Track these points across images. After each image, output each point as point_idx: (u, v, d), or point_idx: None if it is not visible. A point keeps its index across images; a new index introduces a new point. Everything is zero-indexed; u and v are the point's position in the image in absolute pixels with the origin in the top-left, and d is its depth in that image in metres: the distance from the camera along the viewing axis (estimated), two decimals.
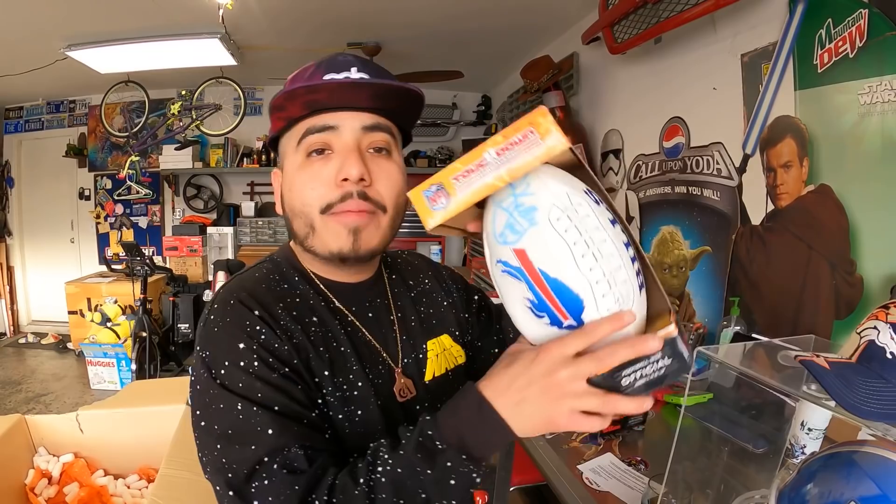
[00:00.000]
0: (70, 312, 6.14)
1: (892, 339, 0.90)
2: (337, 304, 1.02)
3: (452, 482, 0.76)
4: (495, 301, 1.07)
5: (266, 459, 0.79)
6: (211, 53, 4.88)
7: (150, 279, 5.51)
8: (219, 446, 0.83)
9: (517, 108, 5.64)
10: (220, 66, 5.20)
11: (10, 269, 7.47)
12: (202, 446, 0.87)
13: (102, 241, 7.38)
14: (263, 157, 6.80)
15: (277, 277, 1.01)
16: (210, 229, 6.65)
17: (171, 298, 5.99)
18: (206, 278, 6.32)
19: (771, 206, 2.40)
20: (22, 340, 7.00)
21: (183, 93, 6.14)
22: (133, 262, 5.32)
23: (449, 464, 0.75)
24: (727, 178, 2.67)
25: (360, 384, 0.96)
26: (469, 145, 6.67)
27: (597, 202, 0.71)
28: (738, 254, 2.60)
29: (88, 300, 5.99)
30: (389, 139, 0.98)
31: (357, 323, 1.02)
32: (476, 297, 1.27)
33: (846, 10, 1.99)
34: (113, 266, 5.99)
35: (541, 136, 0.68)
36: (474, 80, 6.21)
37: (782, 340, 1.26)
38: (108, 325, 5.42)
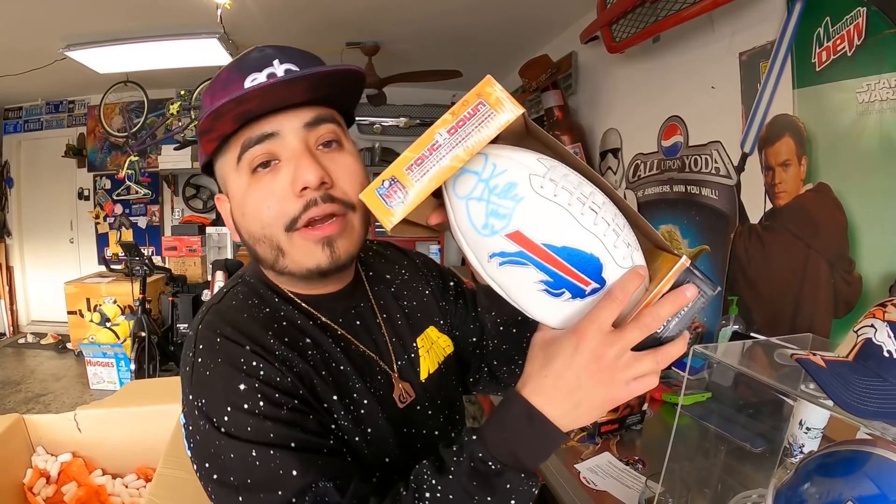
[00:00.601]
0: (69, 312, 6.14)
1: (890, 337, 0.90)
2: (323, 319, 0.95)
3: (513, 502, 0.70)
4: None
5: (295, 501, 0.72)
6: (209, 53, 4.87)
7: (149, 279, 5.50)
8: (240, 499, 0.75)
9: None
10: (218, 65, 5.16)
11: (9, 270, 7.47)
12: (220, 500, 0.78)
13: (102, 241, 7.38)
14: None
15: (256, 301, 0.92)
16: (209, 229, 6.63)
17: (170, 298, 5.98)
18: (206, 278, 6.31)
19: (769, 205, 2.40)
20: (21, 340, 7.01)
21: (182, 93, 6.13)
22: (132, 262, 5.32)
23: (508, 486, 0.69)
24: (725, 177, 2.67)
25: (365, 401, 0.91)
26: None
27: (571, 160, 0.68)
28: (736, 253, 2.60)
29: (88, 300, 5.99)
30: (337, 129, 0.88)
31: (348, 336, 0.96)
32: (452, 283, 1.21)
33: (844, 8, 1.99)
34: (112, 266, 5.99)
35: (492, 106, 0.64)
36: (473, 80, 5.99)
37: (780, 339, 1.26)
38: (108, 325, 5.42)
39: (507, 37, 4.78)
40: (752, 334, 2.30)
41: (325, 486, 0.74)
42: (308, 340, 0.90)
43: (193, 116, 5.60)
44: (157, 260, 6.56)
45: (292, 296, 0.94)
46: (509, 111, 0.63)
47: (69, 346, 6.43)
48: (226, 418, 0.76)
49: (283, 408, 0.78)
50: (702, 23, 2.74)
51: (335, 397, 0.87)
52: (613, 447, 1.83)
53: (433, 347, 1.07)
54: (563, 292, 0.66)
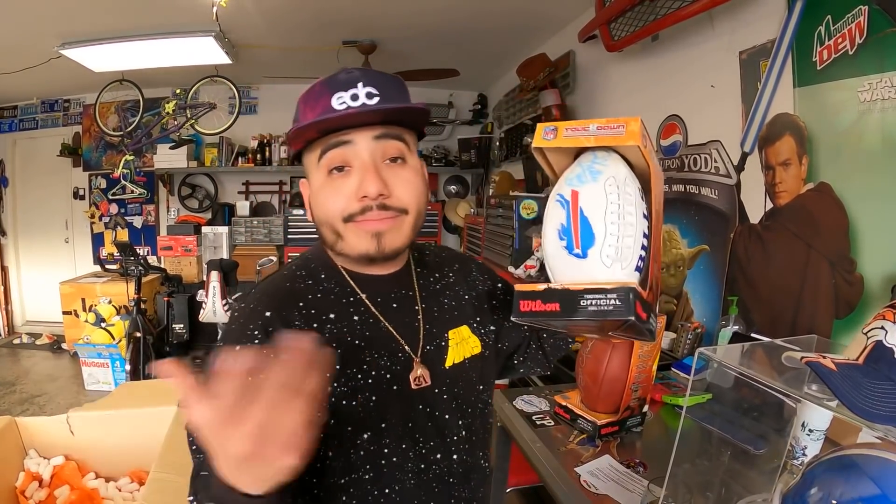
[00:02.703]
0: (64, 313, 6.11)
1: None
2: (361, 296, 1.10)
3: None
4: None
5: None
6: (205, 52, 4.86)
7: (144, 279, 5.47)
8: (193, 442, 0.91)
9: (513, 107, 5.63)
10: (214, 64, 5.18)
11: (4, 269, 7.45)
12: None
13: (97, 240, 7.36)
14: (258, 156, 6.78)
15: (303, 274, 1.11)
16: (205, 229, 6.61)
17: (165, 298, 5.96)
18: (201, 278, 6.28)
19: (770, 205, 2.39)
20: (16, 341, 6.98)
21: (177, 91, 6.10)
22: (127, 262, 5.29)
23: None
24: (725, 177, 2.66)
25: (373, 373, 1.04)
26: (465, 144, 6.66)
27: (642, 197, 0.92)
28: (736, 253, 2.58)
29: (83, 300, 5.97)
30: (402, 146, 1.05)
31: (378, 314, 1.10)
32: (500, 285, 1.37)
33: (846, 6, 1.98)
34: (107, 266, 5.96)
35: (627, 131, 0.88)
36: (470, 79, 6.20)
37: (784, 341, 1.24)
38: (103, 325, 5.38)
39: (504, 35, 4.77)
40: (752, 335, 2.29)
41: None
42: (332, 315, 1.06)
43: (189, 115, 5.57)
44: (152, 260, 6.54)
45: (344, 271, 1.12)
46: (630, 138, 0.87)
47: (64, 346, 6.40)
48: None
49: None
50: (701, 21, 2.73)
51: (337, 367, 1.00)
52: (614, 450, 1.81)
53: (462, 343, 1.20)
54: (564, 240, 0.90)
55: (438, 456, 1.10)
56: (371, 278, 1.12)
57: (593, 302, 0.86)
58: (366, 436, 1.02)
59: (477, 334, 1.24)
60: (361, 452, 1.01)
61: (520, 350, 1.41)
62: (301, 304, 1.05)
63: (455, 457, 1.12)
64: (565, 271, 0.92)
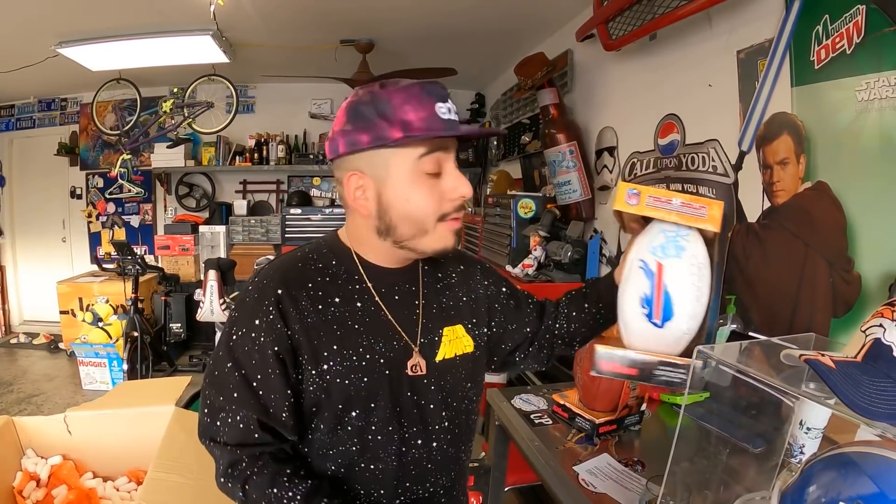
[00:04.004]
0: (62, 312, 6.10)
1: None
2: (368, 284, 1.19)
3: None
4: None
5: (232, 407, 1.09)
6: (203, 51, 4.86)
7: (141, 278, 5.47)
8: (206, 390, 1.13)
9: (511, 106, 5.63)
10: (212, 63, 5.18)
11: (1, 269, 7.43)
12: (205, 376, 1.15)
13: (94, 240, 7.35)
14: (256, 155, 6.78)
15: (315, 258, 1.19)
16: (202, 228, 6.62)
17: (162, 298, 5.97)
18: (199, 277, 6.28)
19: (767, 204, 2.39)
20: (13, 340, 6.96)
21: (175, 90, 6.09)
22: (124, 262, 5.29)
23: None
24: (723, 176, 2.66)
25: (367, 356, 1.14)
26: (463, 143, 6.63)
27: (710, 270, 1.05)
28: (734, 252, 2.58)
29: (80, 300, 5.96)
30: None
31: (381, 304, 1.19)
32: (504, 288, 1.44)
33: (843, 5, 1.98)
34: (104, 265, 5.95)
35: (708, 214, 1.03)
36: (468, 78, 6.21)
37: (782, 339, 1.24)
38: (100, 324, 5.37)
39: (502, 34, 4.78)
40: (750, 334, 2.29)
41: (251, 416, 1.09)
42: (337, 299, 1.15)
43: (186, 114, 5.56)
44: (149, 259, 6.52)
45: (357, 260, 1.21)
46: (711, 224, 1.03)
47: (61, 346, 6.39)
48: (240, 333, 1.10)
49: (270, 348, 1.08)
50: (699, 20, 2.73)
51: (335, 347, 1.12)
52: (612, 448, 1.81)
53: (456, 340, 1.28)
54: (646, 308, 1.04)
55: (419, 442, 1.20)
56: (382, 270, 1.21)
57: (666, 373, 1.06)
58: (354, 413, 1.13)
59: (471, 335, 1.32)
60: (349, 428, 1.13)
61: (521, 348, 1.44)
62: (310, 285, 1.14)
63: (435, 444, 1.21)
64: (642, 336, 1.07)
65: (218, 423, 1.10)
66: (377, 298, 1.19)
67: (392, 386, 1.17)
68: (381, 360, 1.15)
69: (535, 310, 1.45)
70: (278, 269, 1.16)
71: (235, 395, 1.09)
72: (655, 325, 1.04)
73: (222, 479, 1.11)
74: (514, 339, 1.42)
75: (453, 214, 1.15)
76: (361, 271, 1.20)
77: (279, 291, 1.11)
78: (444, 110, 1.08)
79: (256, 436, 1.09)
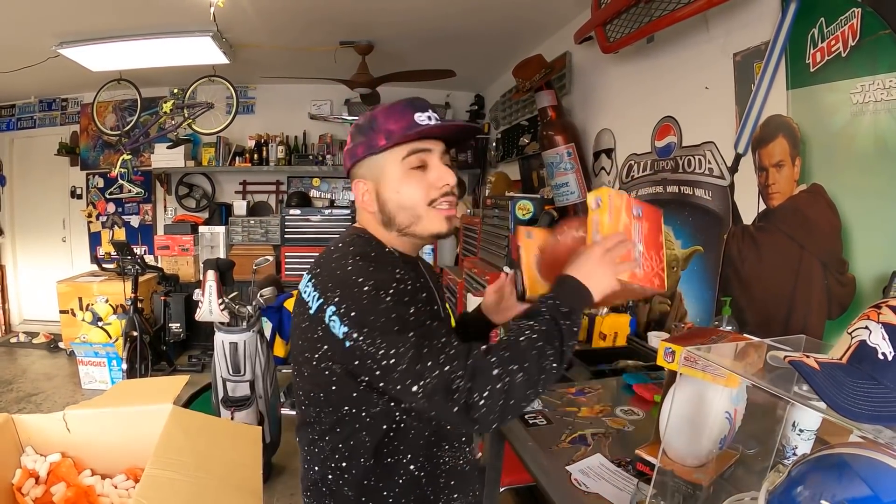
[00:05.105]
0: (61, 311, 6.10)
1: (884, 339, 0.89)
2: (420, 268, 1.45)
3: (575, 329, 1.22)
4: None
5: (444, 338, 1.15)
6: (203, 52, 4.87)
7: (141, 278, 5.48)
8: (410, 334, 1.13)
9: (510, 108, 5.63)
10: (212, 64, 5.19)
11: (1, 268, 7.44)
12: (391, 344, 1.12)
13: (94, 239, 7.35)
14: (255, 156, 6.78)
15: (370, 249, 1.32)
16: (202, 228, 6.62)
17: (162, 298, 5.98)
18: (198, 277, 6.29)
19: (763, 206, 2.40)
20: (13, 340, 6.97)
21: (175, 91, 6.11)
22: (124, 261, 5.29)
23: (574, 318, 1.22)
24: (719, 178, 2.67)
25: (446, 321, 1.39)
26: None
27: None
28: (729, 253, 2.59)
29: (80, 299, 5.96)
30: (448, 157, 1.40)
31: (431, 285, 1.45)
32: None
33: (839, 8, 1.99)
34: (104, 265, 5.95)
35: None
36: (467, 80, 6.22)
37: (773, 340, 1.25)
38: (99, 324, 5.38)
39: (501, 36, 4.78)
40: (745, 335, 2.29)
41: (452, 331, 1.20)
42: (413, 273, 1.36)
43: (186, 115, 5.57)
44: (149, 259, 6.52)
45: (392, 250, 1.37)
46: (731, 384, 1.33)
47: (61, 345, 6.39)
48: (391, 291, 1.16)
49: (420, 293, 1.25)
50: (696, 23, 2.74)
51: (435, 307, 1.38)
52: (605, 448, 1.82)
53: (449, 317, 1.52)
54: (721, 445, 1.40)
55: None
56: (410, 258, 1.42)
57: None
58: None
59: (452, 313, 1.49)
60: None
61: None
62: (396, 266, 1.28)
63: None
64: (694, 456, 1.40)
65: (442, 358, 1.11)
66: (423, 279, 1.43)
67: None
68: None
69: None
70: (368, 252, 1.29)
71: (437, 327, 1.17)
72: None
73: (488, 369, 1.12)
74: None
75: (441, 200, 1.33)
76: (401, 262, 1.35)
77: (389, 268, 1.24)
78: (423, 118, 1.30)
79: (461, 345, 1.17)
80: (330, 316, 1.18)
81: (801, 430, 1.36)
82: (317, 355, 1.23)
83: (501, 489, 2.36)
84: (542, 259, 1.49)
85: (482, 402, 1.07)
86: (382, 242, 1.38)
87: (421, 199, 1.32)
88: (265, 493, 1.90)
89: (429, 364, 1.10)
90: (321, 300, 1.21)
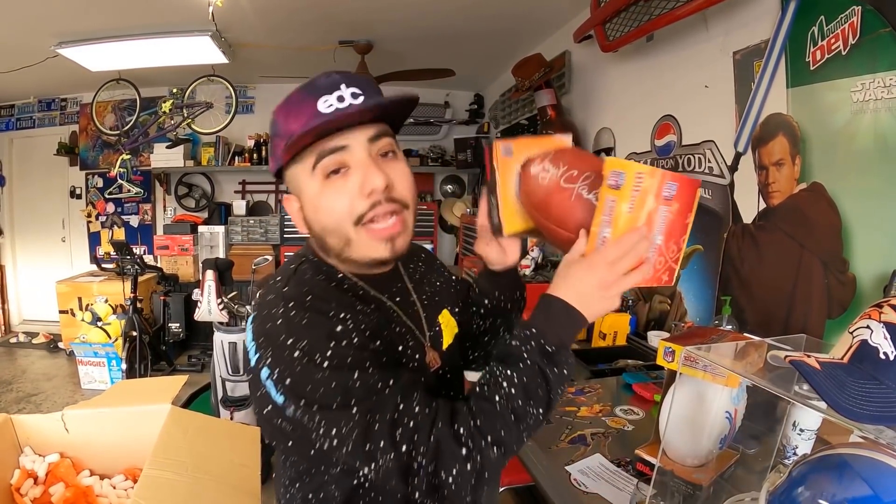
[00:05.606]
0: (61, 312, 6.09)
1: (886, 338, 0.88)
2: (375, 293, 1.12)
3: (565, 371, 0.97)
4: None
5: (400, 397, 0.92)
6: (202, 51, 4.86)
7: (140, 278, 5.47)
8: (354, 411, 0.91)
9: (509, 107, 5.63)
10: (211, 63, 5.18)
11: (1, 268, 7.43)
12: (331, 421, 0.92)
13: (94, 239, 7.35)
14: (255, 155, 6.77)
15: (323, 277, 1.08)
16: (201, 228, 6.62)
17: (161, 298, 5.97)
18: (198, 277, 6.28)
19: (763, 205, 2.39)
20: (13, 340, 6.96)
21: (174, 91, 6.10)
22: (123, 261, 5.29)
23: (563, 359, 0.97)
24: (719, 177, 2.66)
25: (416, 356, 1.11)
26: (461, 144, 6.65)
27: None
28: (729, 253, 2.59)
29: (79, 299, 5.95)
30: (392, 142, 1.06)
31: (396, 308, 1.13)
32: (453, 279, 1.42)
33: (839, 7, 1.98)
34: (104, 265, 5.95)
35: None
36: (466, 79, 6.21)
37: (774, 340, 1.25)
38: (99, 324, 5.38)
39: (500, 36, 4.78)
40: (745, 334, 2.29)
41: (420, 393, 0.95)
42: (373, 306, 1.08)
43: (186, 114, 5.56)
44: (148, 259, 6.52)
45: (346, 275, 1.11)
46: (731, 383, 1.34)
47: (61, 345, 6.38)
48: (328, 353, 0.92)
49: (373, 342, 0.98)
50: (695, 21, 2.73)
51: (401, 349, 1.08)
52: (605, 448, 1.81)
53: (448, 325, 1.26)
54: (722, 445, 1.38)
55: None
56: (375, 277, 1.13)
57: None
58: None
59: (454, 315, 1.30)
60: None
61: (473, 348, 1.43)
62: (347, 294, 1.06)
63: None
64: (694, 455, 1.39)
65: (398, 435, 0.91)
66: (390, 304, 1.13)
67: (432, 384, 1.13)
68: (419, 363, 1.12)
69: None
70: (308, 287, 1.03)
71: (382, 385, 0.94)
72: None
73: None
74: (469, 333, 1.40)
75: (370, 213, 1.00)
76: (362, 283, 1.11)
77: (333, 304, 0.99)
78: (329, 103, 0.99)
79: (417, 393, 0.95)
80: (265, 378, 0.96)
81: (801, 430, 1.36)
82: (264, 412, 0.99)
83: (500, 489, 2.35)
84: (527, 183, 1.11)
85: (451, 481, 0.90)
86: (334, 267, 1.11)
87: (344, 218, 1.01)
88: (263, 493, 1.89)
89: (381, 444, 0.90)
90: (257, 354, 0.99)
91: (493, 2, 3.98)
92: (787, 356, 0.94)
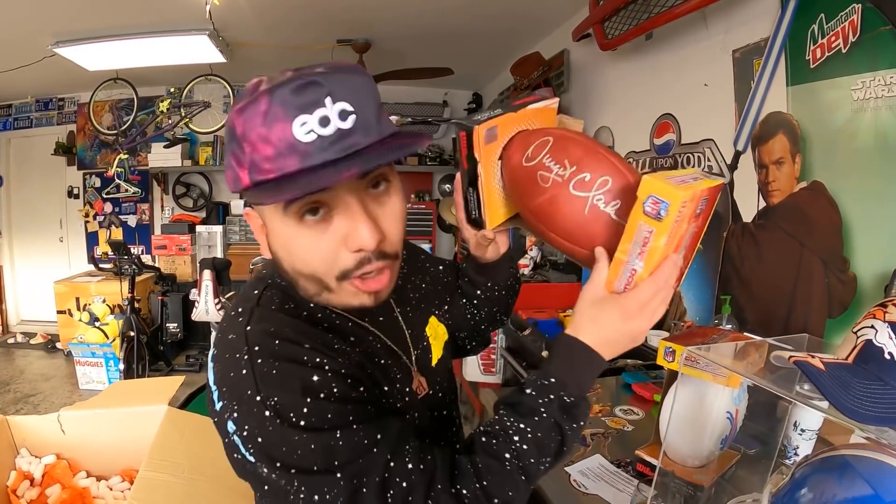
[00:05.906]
0: (59, 312, 6.09)
1: (891, 338, 0.87)
2: (355, 318, 0.96)
3: (582, 423, 0.88)
4: None
5: (390, 457, 0.78)
6: (200, 50, 4.86)
7: (138, 278, 5.47)
8: (339, 475, 0.76)
9: (508, 106, 5.61)
10: (209, 63, 5.18)
11: None
12: (312, 488, 0.77)
13: (91, 239, 7.34)
14: None
15: (293, 305, 0.91)
16: (199, 228, 6.61)
17: (159, 297, 5.96)
18: (196, 277, 6.28)
19: (763, 204, 2.38)
20: (11, 340, 6.95)
21: (172, 90, 6.10)
22: (121, 261, 5.28)
23: (581, 411, 0.87)
24: (718, 176, 2.65)
25: (406, 389, 0.99)
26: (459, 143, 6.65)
27: None
28: (729, 252, 2.58)
29: (77, 299, 5.94)
30: (387, 169, 0.85)
31: (377, 332, 0.99)
32: (441, 267, 1.31)
33: (839, 4, 1.97)
34: (101, 265, 5.95)
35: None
36: (465, 78, 6.20)
37: (775, 339, 1.24)
38: (97, 324, 5.37)
39: (498, 34, 4.77)
40: (745, 334, 2.28)
41: (413, 446, 0.82)
42: (353, 339, 0.93)
43: (183, 114, 5.56)
44: (146, 259, 6.52)
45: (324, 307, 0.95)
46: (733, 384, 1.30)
47: (58, 345, 6.38)
48: (305, 410, 0.76)
49: (355, 390, 0.82)
50: (695, 20, 2.73)
51: (387, 388, 0.93)
52: (605, 449, 1.80)
53: (436, 336, 1.15)
54: (723, 445, 1.39)
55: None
56: (356, 306, 0.94)
57: None
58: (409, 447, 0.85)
59: (442, 321, 1.19)
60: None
61: (469, 336, 1.36)
62: (321, 327, 0.89)
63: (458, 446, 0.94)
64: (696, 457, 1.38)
65: (390, 497, 0.77)
66: (373, 329, 0.98)
67: (419, 410, 1.01)
68: (408, 391, 1.00)
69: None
70: (275, 326, 0.85)
71: (368, 442, 0.79)
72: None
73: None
74: (457, 321, 1.30)
75: (359, 272, 0.84)
76: (342, 312, 0.95)
77: (306, 346, 0.82)
78: (312, 124, 0.75)
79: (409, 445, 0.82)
80: (232, 433, 0.79)
81: (802, 430, 1.35)
82: (234, 456, 0.82)
83: None
84: (521, 181, 0.97)
85: None
86: (309, 301, 0.93)
87: (324, 270, 0.85)
88: None
89: None
90: (221, 403, 0.82)
91: (491, 1, 3.97)
92: (791, 357, 0.93)
